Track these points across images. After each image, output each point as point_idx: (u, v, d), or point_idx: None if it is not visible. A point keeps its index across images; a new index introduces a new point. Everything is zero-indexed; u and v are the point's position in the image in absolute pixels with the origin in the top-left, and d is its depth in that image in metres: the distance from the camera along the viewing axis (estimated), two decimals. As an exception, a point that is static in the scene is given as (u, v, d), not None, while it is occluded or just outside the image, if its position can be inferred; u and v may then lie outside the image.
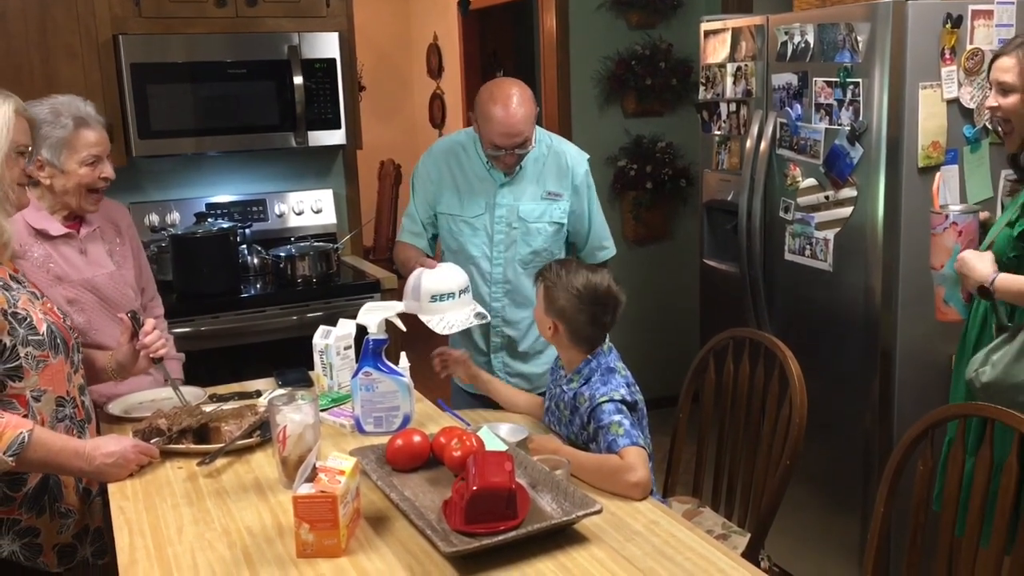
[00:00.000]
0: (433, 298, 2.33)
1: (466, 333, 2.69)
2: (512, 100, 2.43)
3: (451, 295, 2.34)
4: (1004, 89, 2.11)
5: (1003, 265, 2.08)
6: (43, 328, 1.88)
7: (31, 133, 1.94)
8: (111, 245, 2.46)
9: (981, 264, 2.07)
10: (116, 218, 2.53)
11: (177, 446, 1.98)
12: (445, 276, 2.37)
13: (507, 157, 2.49)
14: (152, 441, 1.96)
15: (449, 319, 2.33)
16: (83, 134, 2.26)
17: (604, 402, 1.96)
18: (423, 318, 2.33)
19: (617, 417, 1.92)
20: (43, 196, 2.32)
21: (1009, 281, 2.03)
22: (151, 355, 2.16)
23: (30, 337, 1.84)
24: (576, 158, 2.68)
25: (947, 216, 2.18)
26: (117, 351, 2.18)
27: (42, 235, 2.29)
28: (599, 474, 1.86)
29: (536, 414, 2.29)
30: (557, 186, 2.63)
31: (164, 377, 2.25)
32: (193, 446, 1.99)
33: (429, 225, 2.70)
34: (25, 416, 1.82)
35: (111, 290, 2.38)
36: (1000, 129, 2.21)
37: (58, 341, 1.91)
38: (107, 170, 2.33)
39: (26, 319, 1.85)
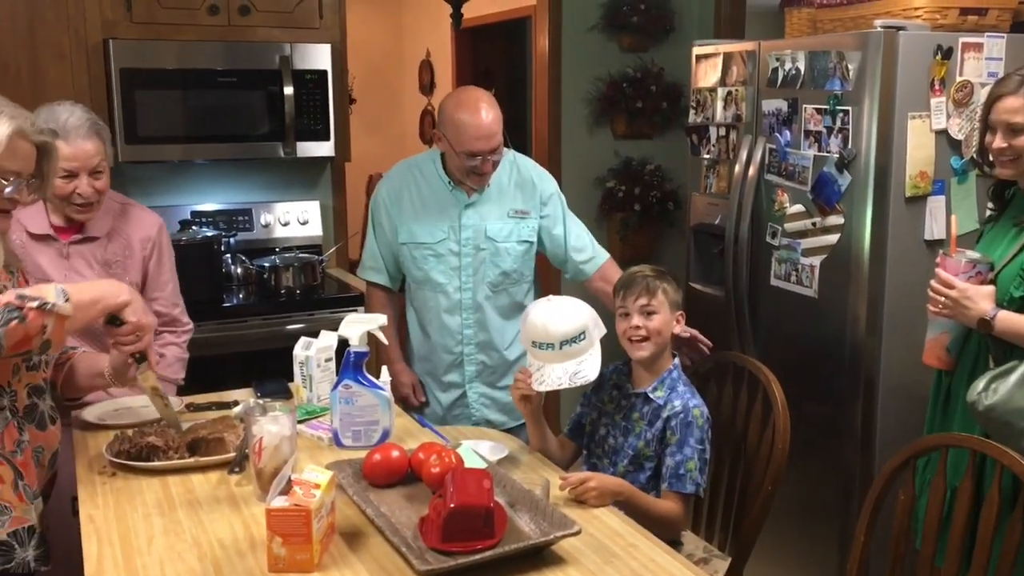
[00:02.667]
0: (534, 343, 2.03)
1: (437, 363, 2.60)
2: (481, 104, 2.40)
3: (550, 346, 1.99)
4: (1014, 130, 2.05)
5: (1009, 303, 2.06)
6: None
7: (39, 158, 1.81)
8: (113, 257, 2.40)
9: (983, 298, 2.06)
10: (133, 231, 2.46)
11: (185, 461, 1.93)
12: (552, 319, 2.00)
13: (483, 165, 2.43)
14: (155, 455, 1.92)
15: (545, 373, 2.01)
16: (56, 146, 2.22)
17: (698, 418, 2.03)
18: (527, 360, 2.08)
19: (696, 454, 2.01)
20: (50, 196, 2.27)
21: (1012, 320, 2.00)
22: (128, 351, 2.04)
23: None
24: (542, 174, 2.65)
25: (974, 265, 2.09)
26: (112, 357, 2.08)
27: (26, 231, 2.32)
28: (655, 523, 1.88)
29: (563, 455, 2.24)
30: (524, 204, 2.58)
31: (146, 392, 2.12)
32: (210, 458, 1.93)
33: (390, 260, 2.61)
34: None
35: None
36: (1003, 166, 2.13)
37: None
38: (82, 186, 2.26)
39: None
